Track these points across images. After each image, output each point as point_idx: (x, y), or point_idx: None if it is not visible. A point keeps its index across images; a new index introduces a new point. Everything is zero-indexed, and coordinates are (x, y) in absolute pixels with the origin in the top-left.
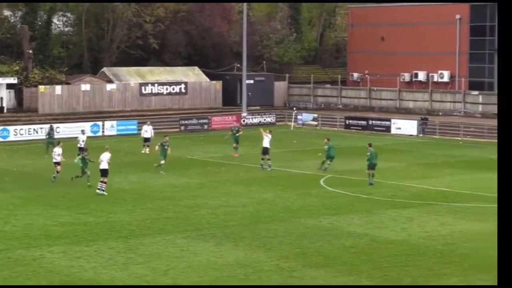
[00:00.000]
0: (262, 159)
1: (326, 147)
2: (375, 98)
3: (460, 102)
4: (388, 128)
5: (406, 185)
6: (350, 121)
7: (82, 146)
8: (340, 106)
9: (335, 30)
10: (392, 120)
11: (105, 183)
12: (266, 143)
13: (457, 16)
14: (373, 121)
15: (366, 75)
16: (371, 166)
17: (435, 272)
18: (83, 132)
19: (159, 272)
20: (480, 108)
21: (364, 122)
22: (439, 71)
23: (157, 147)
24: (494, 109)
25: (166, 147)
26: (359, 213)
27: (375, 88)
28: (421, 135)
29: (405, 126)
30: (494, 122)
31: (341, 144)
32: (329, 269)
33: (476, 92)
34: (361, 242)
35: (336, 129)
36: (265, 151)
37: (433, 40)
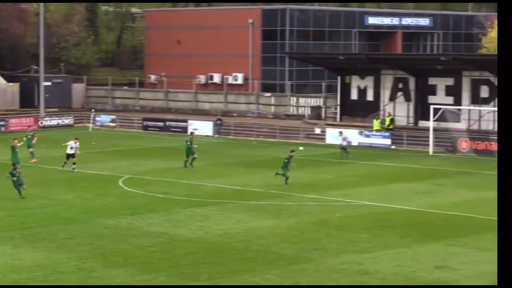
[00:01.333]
0: (65, 162)
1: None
2: (172, 100)
3: (253, 103)
4: (185, 129)
5: (203, 184)
6: (148, 123)
7: None
8: (137, 108)
9: (132, 33)
10: (189, 121)
11: None
12: (70, 150)
13: (250, 21)
14: (170, 122)
15: (163, 77)
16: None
17: (231, 268)
18: None
19: None
20: (272, 109)
21: (161, 123)
22: (234, 74)
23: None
24: (285, 110)
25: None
26: (157, 213)
27: (172, 90)
28: (216, 135)
29: (201, 127)
30: (284, 123)
31: (139, 145)
32: (128, 268)
33: (268, 94)
34: (159, 241)
35: (134, 130)
36: (70, 155)
37: (227, 43)
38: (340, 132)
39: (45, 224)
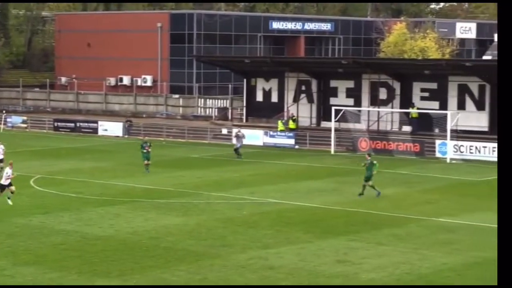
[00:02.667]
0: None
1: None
2: (82, 101)
3: (162, 105)
4: (95, 130)
5: (114, 184)
6: (59, 124)
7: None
8: (49, 109)
9: (43, 36)
10: (99, 122)
11: None
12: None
13: (158, 24)
14: (81, 123)
15: (74, 79)
16: (366, 178)
17: (141, 264)
18: None
19: None
20: (180, 110)
21: (72, 124)
22: (143, 76)
23: None
24: (193, 111)
25: None
26: (68, 211)
27: (83, 92)
28: (126, 136)
29: (111, 128)
30: (192, 124)
31: (50, 145)
32: (39, 267)
33: (176, 96)
34: (70, 239)
35: (45, 131)
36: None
37: (137, 46)
38: (238, 131)
39: None
